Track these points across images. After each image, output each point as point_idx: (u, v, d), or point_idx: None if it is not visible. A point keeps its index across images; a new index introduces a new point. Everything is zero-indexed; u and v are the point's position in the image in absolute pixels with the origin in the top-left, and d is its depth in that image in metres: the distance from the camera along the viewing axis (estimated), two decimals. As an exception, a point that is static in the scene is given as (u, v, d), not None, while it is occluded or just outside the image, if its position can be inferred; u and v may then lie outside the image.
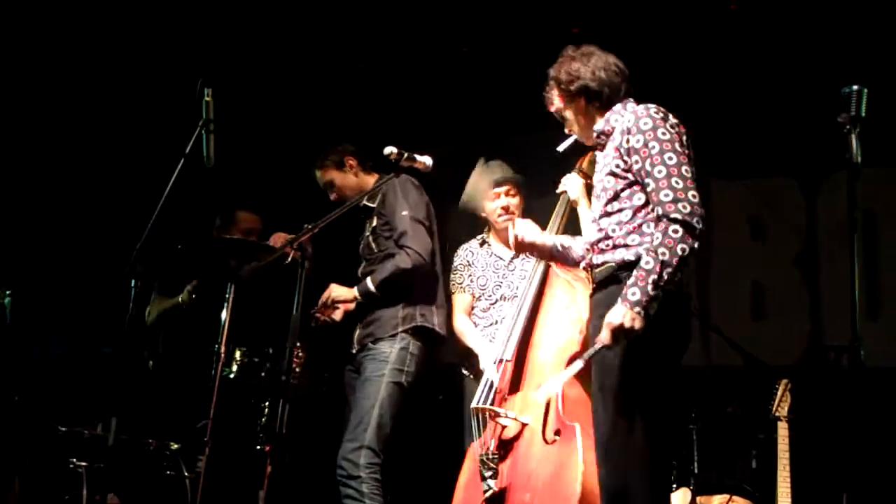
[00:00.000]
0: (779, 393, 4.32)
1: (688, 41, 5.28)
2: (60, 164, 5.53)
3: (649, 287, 2.71)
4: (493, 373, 3.64)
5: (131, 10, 5.38)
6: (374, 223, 4.16)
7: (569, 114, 3.15)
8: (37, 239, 5.45)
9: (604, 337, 2.74)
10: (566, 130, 3.20)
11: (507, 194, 4.23)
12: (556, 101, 3.16)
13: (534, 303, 3.69)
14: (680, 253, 2.73)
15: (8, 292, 4.85)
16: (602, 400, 2.86)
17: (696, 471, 4.57)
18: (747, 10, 5.10)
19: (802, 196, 5.36)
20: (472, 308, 4.30)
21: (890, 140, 4.57)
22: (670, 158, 2.84)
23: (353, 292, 4.05)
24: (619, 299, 2.74)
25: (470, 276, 4.30)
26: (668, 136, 2.88)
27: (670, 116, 2.96)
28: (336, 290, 4.06)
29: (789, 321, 5.24)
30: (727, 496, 4.42)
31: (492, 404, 3.58)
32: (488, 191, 4.21)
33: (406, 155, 3.46)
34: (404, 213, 4.05)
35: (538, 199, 4.39)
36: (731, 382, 5.03)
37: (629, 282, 2.75)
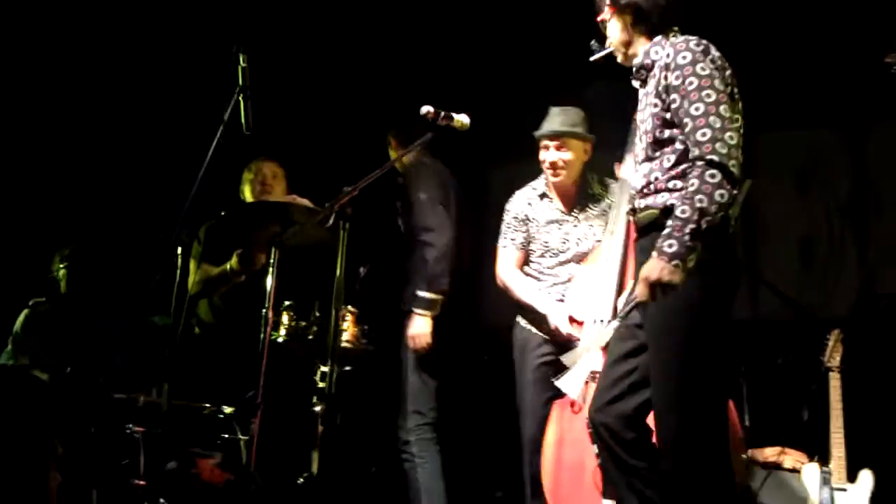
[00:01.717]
0: (830, 344, 4.26)
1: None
2: (99, 135, 5.60)
3: (686, 237, 2.59)
4: (595, 335, 3.61)
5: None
6: (400, 202, 4.20)
7: (613, 26, 3.00)
8: (82, 210, 5.54)
9: (640, 292, 2.65)
10: (606, 43, 3.05)
11: (556, 148, 4.07)
12: (605, 10, 3.01)
13: (622, 262, 3.67)
14: (718, 199, 2.61)
15: (62, 265, 4.95)
16: (661, 360, 2.76)
17: (747, 423, 4.55)
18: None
19: (849, 145, 5.25)
20: (527, 264, 4.22)
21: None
22: (708, 96, 2.70)
23: (425, 319, 4.08)
24: (655, 252, 2.63)
25: (526, 232, 4.15)
26: (707, 72, 2.74)
27: (712, 50, 2.81)
28: (416, 330, 4.09)
29: (839, 272, 5.15)
30: (779, 448, 4.38)
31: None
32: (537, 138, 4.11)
33: (443, 114, 3.44)
34: (422, 196, 4.04)
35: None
36: (780, 335, 4.97)
37: (664, 232, 2.64)
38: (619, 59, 3.04)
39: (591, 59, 3.14)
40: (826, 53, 5.04)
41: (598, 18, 3.04)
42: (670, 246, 2.61)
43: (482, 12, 5.48)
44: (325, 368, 4.15)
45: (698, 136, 2.69)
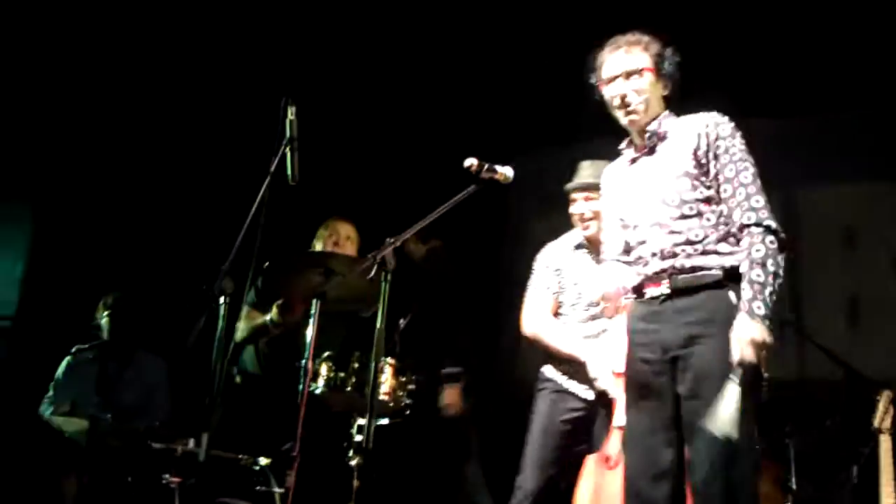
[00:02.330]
0: (881, 405, 4.15)
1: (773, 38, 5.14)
2: (148, 184, 5.69)
3: (769, 299, 2.70)
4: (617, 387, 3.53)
5: (219, 30, 5.52)
6: None
7: (645, 86, 3.02)
8: (128, 259, 5.61)
9: (747, 355, 2.68)
10: (621, 97, 3.03)
11: (586, 200, 4.05)
12: (640, 60, 3.02)
13: None
14: (781, 263, 2.75)
15: (106, 313, 5.00)
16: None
17: (794, 486, 4.43)
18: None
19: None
20: (557, 317, 4.20)
21: None
22: (750, 167, 2.86)
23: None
24: (745, 315, 2.70)
25: (560, 281, 4.11)
26: (744, 145, 2.91)
27: None
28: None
29: (888, 331, 5.04)
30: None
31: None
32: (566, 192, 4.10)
33: (486, 167, 3.44)
34: None
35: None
36: (829, 395, 4.86)
37: (746, 296, 2.71)
38: (638, 115, 3.04)
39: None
40: (873, 105, 5.01)
41: (629, 66, 3.02)
42: (759, 308, 2.70)
43: (524, 68, 5.53)
44: (362, 421, 4.14)
45: (753, 203, 2.81)
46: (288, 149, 3.55)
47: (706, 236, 2.86)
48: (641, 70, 3.01)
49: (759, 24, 5.13)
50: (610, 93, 3.06)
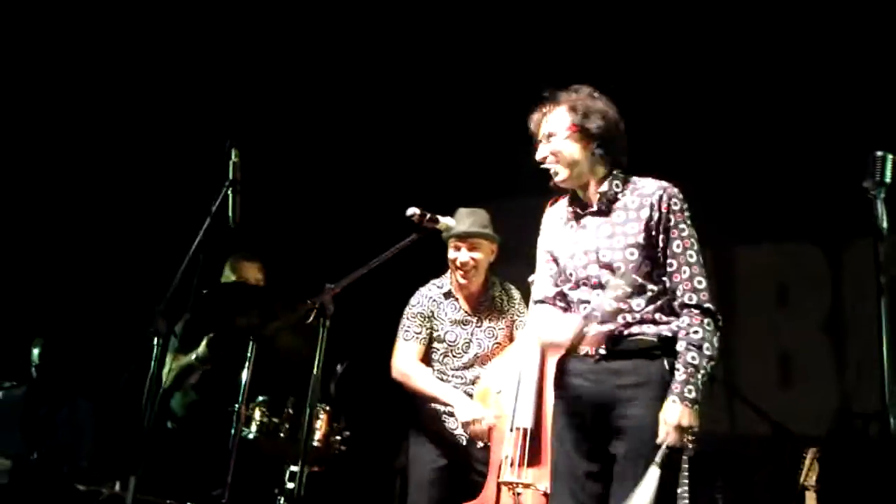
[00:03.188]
0: (807, 462, 4.23)
1: (712, 104, 5.29)
2: (87, 220, 5.61)
3: (699, 383, 2.77)
4: (509, 444, 3.55)
5: (161, 72, 5.51)
6: None
7: (568, 147, 2.98)
8: (61, 295, 5.50)
9: (673, 438, 2.75)
10: (542, 161, 3.02)
11: (469, 248, 4.04)
12: (557, 127, 2.98)
13: (540, 366, 3.60)
14: (717, 345, 2.82)
15: (37, 351, 4.89)
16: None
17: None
18: (775, 73, 5.12)
19: (827, 261, 5.31)
20: (430, 364, 4.15)
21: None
22: (695, 245, 2.91)
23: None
24: (675, 398, 2.76)
25: (431, 328, 4.10)
26: (691, 222, 2.95)
27: None
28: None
29: (816, 388, 5.15)
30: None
31: (514, 476, 3.49)
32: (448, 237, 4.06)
33: (428, 216, 3.47)
34: None
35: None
36: (758, 451, 4.94)
37: (679, 378, 2.78)
38: (561, 177, 3.01)
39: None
40: (803, 171, 5.16)
41: (546, 131, 3.01)
42: (690, 391, 2.76)
43: (468, 119, 5.61)
44: (294, 468, 4.09)
45: (695, 284, 2.87)
46: (230, 191, 3.55)
47: (647, 306, 2.90)
48: (557, 132, 2.99)
49: (694, 93, 5.29)
50: (537, 154, 3.05)
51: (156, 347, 3.54)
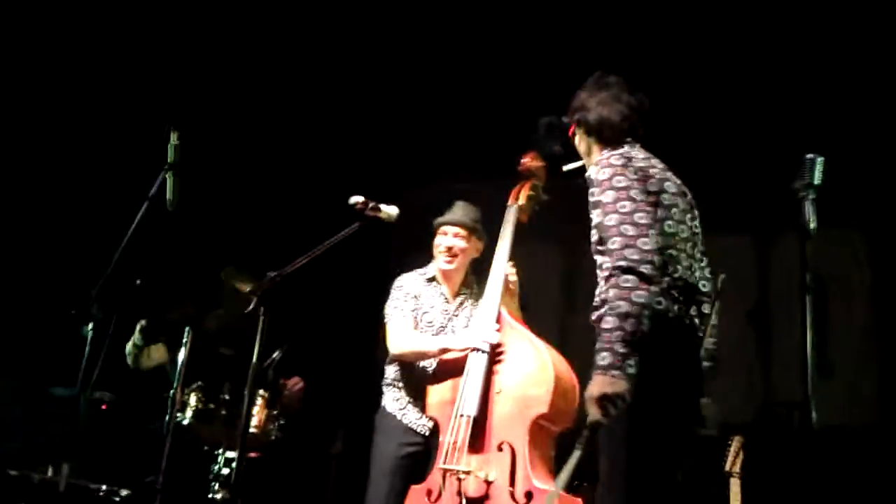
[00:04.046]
0: (731, 450, 4.35)
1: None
2: (23, 201, 5.47)
3: (617, 346, 2.60)
4: (455, 429, 3.54)
5: (100, 53, 5.39)
6: None
7: (577, 138, 3.18)
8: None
9: (591, 413, 2.62)
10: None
11: (455, 235, 4.09)
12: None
13: (489, 356, 3.61)
14: (637, 300, 2.62)
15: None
16: (603, 464, 2.78)
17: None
18: (709, 72, 5.23)
19: (755, 255, 5.46)
20: None
21: (841, 205, 4.70)
22: (623, 206, 2.77)
23: None
24: (594, 371, 2.63)
25: (415, 308, 4.08)
26: (623, 184, 2.81)
27: (637, 161, 2.92)
28: None
29: (742, 378, 5.30)
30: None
31: (456, 462, 3.49)
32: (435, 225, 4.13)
33: (371, 205, 3.48)
34: None
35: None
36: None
37: (596, 346, 2.64)
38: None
39: (565, 168, 3.28)
40: (734, 167, 5.28)
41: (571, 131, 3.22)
42: (603, 359, 2.61)
43: (413, 105, 5.62)
44: (229, 454, 4.08)
45: (611, 245, 2.74)
46: (168, 174, 3.51)
47: (599, 291, 2.83)
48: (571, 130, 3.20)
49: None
50: None
51: (90, 332, 3.51)
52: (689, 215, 3.04)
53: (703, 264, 3.08)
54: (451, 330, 4.06)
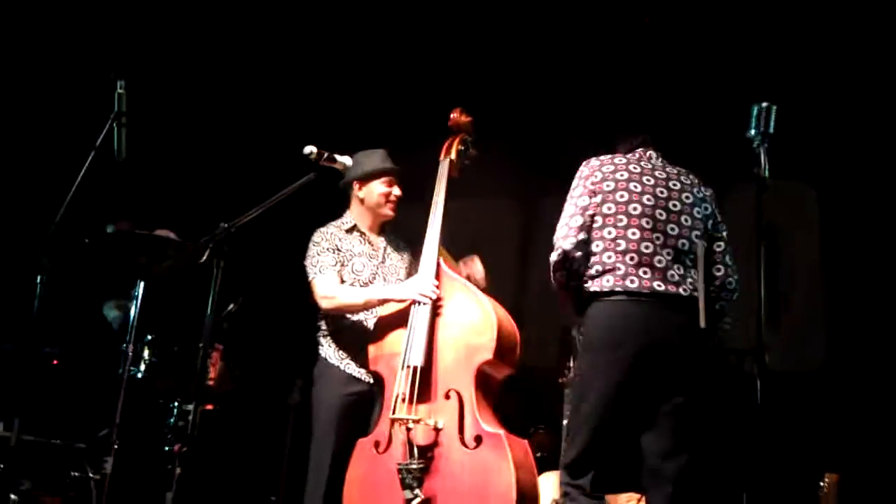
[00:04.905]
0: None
1: (604, 50, 5.38)
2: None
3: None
4: (401, 382, 3.57)
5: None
6: None
7: None
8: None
9: None
10: None
11: (397, 185, 4.05)
12: None
13: (432, 305, 3.64)
14: (552, 268, 3.36)
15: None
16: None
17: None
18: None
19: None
20: None
21: (794, 155, 4.74)
22: (566, 203, 3.37)
23: None
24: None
25: (340, 260, 4.01)
26: (573, 185, 3.40)
27: (591, 161, 3.44)
28: None
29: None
30: (637, 495, 4.51)
31: (405, 412, 3.51)
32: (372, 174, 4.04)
33: (326, 155, 3.44)
34: None
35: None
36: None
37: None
38: None
39: None
40: (688, 116, 5.30)
41: None
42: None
43: (369, 48, 5.55)
44: (185, 406, 4.06)
45: None
46: (115, 124, 3.43)
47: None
48: None
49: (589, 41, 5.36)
50: None
51: (39, 285, 3.44)
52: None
53: None
54: (381, 277, 4.03)
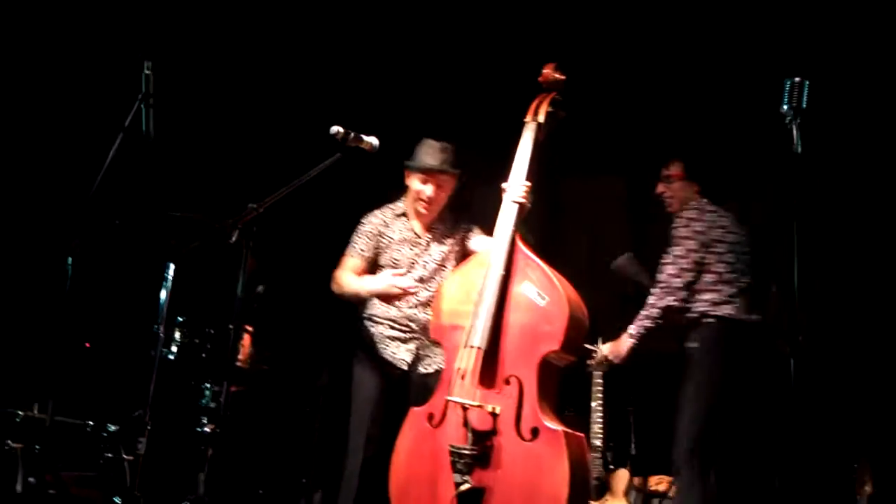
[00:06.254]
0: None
1: (628, 27, 5.30)
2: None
3: None
4: (462, 359, 3.40)
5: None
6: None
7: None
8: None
9: None
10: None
11: (433, 184, 3.92)
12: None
13: (501, 286, 3.41)
14: None
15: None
16: None
17: (633, 452, 4.71)
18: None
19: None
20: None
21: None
22: None
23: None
24: None
25: (377, 247, 4.00)
26: None
27: None
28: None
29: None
30: (668, 478, 4.49)
31: (463, 394, 3.34)
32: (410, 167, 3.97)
33: (353, 135, 3.41)
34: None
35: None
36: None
37: None
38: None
39: None
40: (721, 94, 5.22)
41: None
42: None
43: (401, 32, 5.51)
44: (216, 388, 4.08)
45: None
46: (143, 105, 3.43)
47: None
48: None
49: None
50: None
51: (70, 267, 3.46)
52: None
53: None
54: (421, 266, 4.02)
